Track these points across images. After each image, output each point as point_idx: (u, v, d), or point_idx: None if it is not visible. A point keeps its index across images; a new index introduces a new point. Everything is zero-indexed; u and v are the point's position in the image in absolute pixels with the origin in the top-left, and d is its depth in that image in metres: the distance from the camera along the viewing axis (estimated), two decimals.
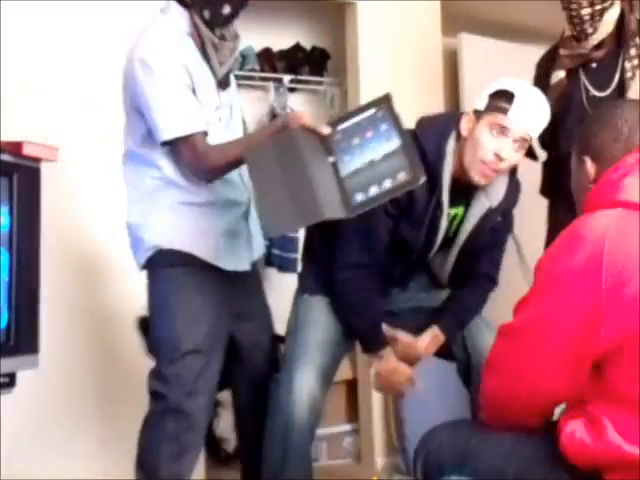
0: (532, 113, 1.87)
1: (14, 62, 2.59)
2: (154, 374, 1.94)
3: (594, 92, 2.44)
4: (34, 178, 1.83)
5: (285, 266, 3.65)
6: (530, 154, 1.93)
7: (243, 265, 2.01)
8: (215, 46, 1.89)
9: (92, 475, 2.61)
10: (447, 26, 3.61)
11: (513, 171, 1.99)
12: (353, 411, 3.55)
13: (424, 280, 2.14)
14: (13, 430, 2.46)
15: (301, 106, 3.92)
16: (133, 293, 2.78)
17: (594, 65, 2.47)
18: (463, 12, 3.80)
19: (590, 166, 1.42)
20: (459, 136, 1.92)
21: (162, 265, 1.92)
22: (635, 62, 2.39)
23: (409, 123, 3.47)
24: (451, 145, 1.92)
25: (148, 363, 2.75)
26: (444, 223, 1.94)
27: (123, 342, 2.74)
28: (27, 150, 1.78)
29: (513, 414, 1.39)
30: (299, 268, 3.78)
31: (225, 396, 3.45)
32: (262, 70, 3.79)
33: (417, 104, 3.47)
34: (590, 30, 2.43)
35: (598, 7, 2.39)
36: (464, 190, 1.96)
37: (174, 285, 1.90)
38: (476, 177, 1.88)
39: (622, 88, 2.39)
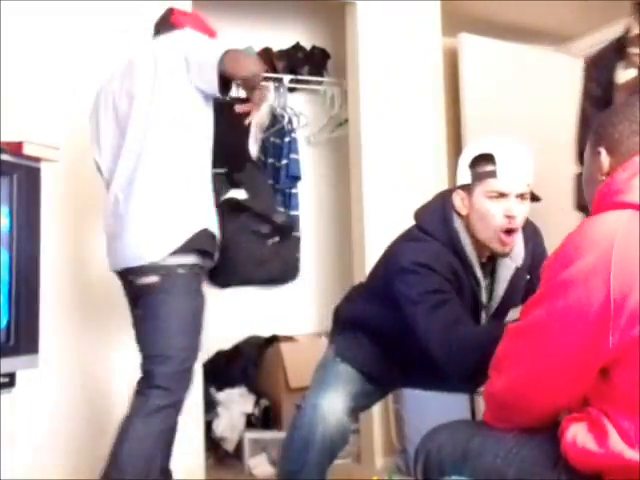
0: (519, 164, 1.83)
1: (14, 62, 2.60)
2: None
3: None
4: (34, 178, 1.82)
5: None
6: (532, 198, 1.90)
7: None
8: None
9: (92, 475, 2.61)
10: (447, 26, 3.61)
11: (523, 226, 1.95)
12: None
13: None
14: (13, 430, 2.46)
15: (301, 106, 3.93)
16: None
17: None
18: (463, 12, 3.80)
19: (604, 158, 1.39)
20: (459, 214, 1.89)
21: None
22: None
23: (409, 123, 3.48)
24: (458, 223, 1.89)
25: None
26: (484, 297, 1.93)
27: (123, 342, 2.74)
28: (27, 150, 1.77)
29: (517, 415, 1.38)
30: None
31: (225, 396, 3.46)
32: None
33: (417, 104, 3.48)
34: None
35: None
36: (487, 260, 1.94)
37: None
38: (499, 247, 1.85)
39: None
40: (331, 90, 3.88)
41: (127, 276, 2.14)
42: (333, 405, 1.84)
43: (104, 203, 2.21)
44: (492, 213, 1.81)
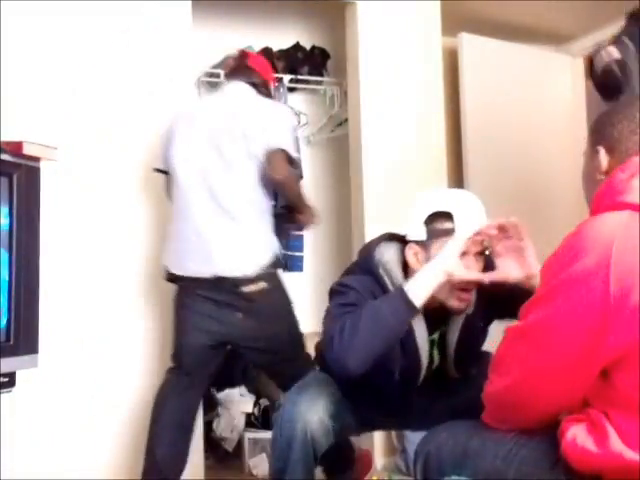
0: (478, 222, 1.77)
1: (14, 62, 2.60)
2: None
3: None
4: (34, 178, 1.82)
5: (291, 265, 3.68)
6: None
7: None
8: None
9: (92, 475, 2.61)
10: (447, 26, 3.61)
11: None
12: None
13: (431, 393, 2.00)
14: (13, 430, 2.46)
15: (301, 106, 3.92)
16: (133, 292, 2.78)
17: None
18: (463, 12, 3.80)
19: (603, 157, 1.40)
20: (405, 266, 1.85)
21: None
22: None
23: (409, 123, 3.47)
24: (392, 265, 1.85)
25: (147, 363, 2.75)
26: (422, 347, 1.85)
27: (123, 341, 2.75)
28: (27, 150, 1.77)
29: (517, 416, 1.38)
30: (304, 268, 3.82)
31: (225, 396, 3.46)
32: None
33: (417, 104, 3.48)
34: None
35: None
36: (442, 315, 1.88)
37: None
38: (456, 304, 1.79)
39: None
40: (331, 90, 3.87)
41: (221, 284, 2.47)
42: (312, 401, 1.82)
43: (187, 215, 2.52)
44: None
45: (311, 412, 1.80)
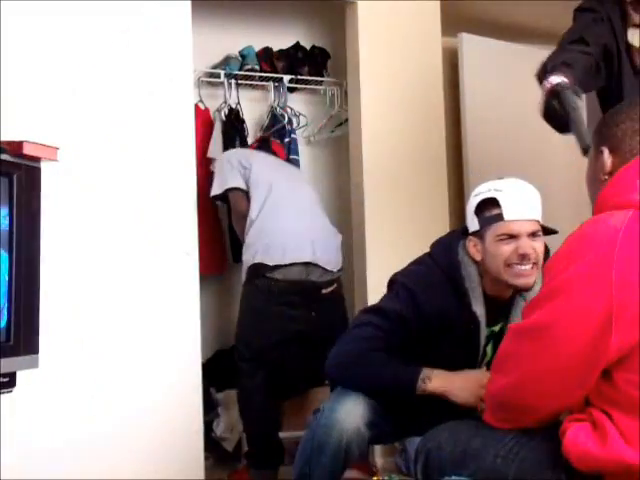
0: (524, 204, 1.84)
1: (14, 62, 2.59)
2: None
3: None
4: (34, 178, 1.82)
5: None
6: (547, 231, 1.90)
7: None
8: None
9: (92, 475, 2.61)
10: (447, 26, 3.61)
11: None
12: None
13: None
14: (13, 430, 2.46)
15: (301, 106, 3.92)
16: (133, 292, 2.78)
17: None
18: (463, 12, 3.80)
19: (607, 157, 1.40)
20: (474, 260, 1.90)
21: None
22: None
23: (409, 123, 3.47)
24: (463, 254, 1.90)
25: (147, 363, 2.75)
26: (482, 339, 1.90)
27: (123, 341, 2.74)
28: (27, 150, 1.76)
29: (518, 415, 1.38)
30: None
31: (225, 396, 3.45)
32: (262, 70, 3.79)
33: (417, 104, 3.48)
34: None
35: None
36: (504, 307, 1.93)
37: None
38: (518, 280, 1.83)
39: None
40: (331, 90, 3.87)
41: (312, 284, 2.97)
42: (351, 410, 1.81)
43: (289, 212, 3.04)
44: (504, 253, 1.82)
45: (349, 420, 1.80)
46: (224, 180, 3.11)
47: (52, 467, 2.54)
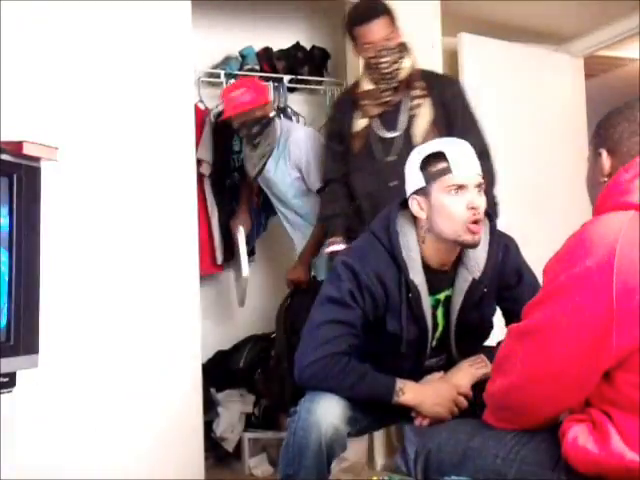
0: (469, 157, 1.87)
1: (14, 62, 2.59)
2: None
3: (386, 134, 2.67)
4: (34, 178, 1.82)
5: None
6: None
7: None
8: None
9: (92, 475, 2.61)
10: (447, 26, 3.61)
11: (492, 236, 1.95)
12: None
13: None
14: (13, 430, 2.46)
15: (301, 106, 3.92)
16: (133, 292, 2.78)
17: (390, 109, 2.68)
18: (463, 12, 3.80)
19: (606, 159, 1.40)
20: (415, 219, 1.90)
21: None
22: (417, 102, 2.65)
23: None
24: (401, 224, 1.91)
25: (147, 363, 2.75)
26: (426, 308, 1.89)
27: (123, 341, 2.74)
28: (27, 150, 1.77)
29: (518, 416, 1.38)
30: None
31: (225, 396, 3.45)
32: (262, 70, 3.79)
33: None
34: (393, 84, 2.65)
35: (397, 64, 2.64)
36: (446, 274, 1.93)
37: None
38: (469, 238, 1.83)
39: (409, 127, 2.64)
40: (331, 90, 3.87)
41: None
42: (327, 409, 1.81)
43: None
44: (456, 206, 1.82)
45: (327, 421, 1.80)
46: None
47: (52, 467, 2.53)
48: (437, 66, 3.56)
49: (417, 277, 1.87)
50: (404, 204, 1.94)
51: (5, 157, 1.73)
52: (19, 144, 1.76)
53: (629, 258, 1.20)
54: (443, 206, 1.83)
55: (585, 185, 1.50)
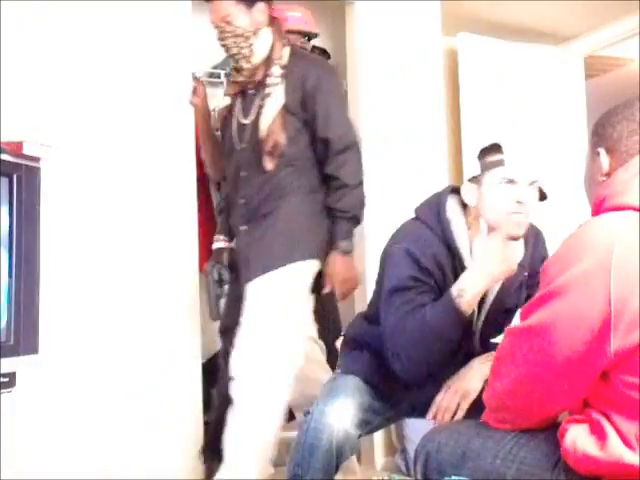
0: (524, 154, 1.89)
1: (14, 62, 2.59)
2: None
3: (242, 119, 2.52)
4: (34, 178, 1.82)
5: None
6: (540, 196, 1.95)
7: None
8: None
9: (92, 474, 2.61)
10: (447, 26, 3.61)
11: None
12: None
13: None
14: (13, 430, 2.46)
15: None
16: (133, 291, 2.78)
17: (250, 92, 2.53)
18: (463, 12, 3.80)
19: (604, 158, 1.40)
20: (465, 207, 1.93)
21: None
22: (268, 90, 2.45)
23: (409, 122, 3.47)
24: (451, 212, 1.92)
25: (147, 363, 2.75)
26: None
27: (123, 341, 2.74)
28: (27, 150, 1.77)
29: (517, 417, 1.37)
30: None
31: None
32: None
33: (417, 104, 3.48)
34: (246, 66, 2.48)
35: (245, 49, 2.46)
36: None
37: None
38: (513, 229, 1.84)
39: (258, 115, 2.46)
40: None
41: None
42: (340, 413, 1.84)
43: None
44: (503, 198, 1.84)
45: (338, 424, 1.82)
46: None
47: (52, 466, 2.54)
48: (437, 66, 3.57)
49: (468, 263, 1.89)
50: (453, 191, 1.97)
51: (5, 157, 1.73)
52: (19, 144, 1.76)
53: (627, 259, 1.20)
54: (490, 195, 1.86)
55: (583, 184, 1.50)
